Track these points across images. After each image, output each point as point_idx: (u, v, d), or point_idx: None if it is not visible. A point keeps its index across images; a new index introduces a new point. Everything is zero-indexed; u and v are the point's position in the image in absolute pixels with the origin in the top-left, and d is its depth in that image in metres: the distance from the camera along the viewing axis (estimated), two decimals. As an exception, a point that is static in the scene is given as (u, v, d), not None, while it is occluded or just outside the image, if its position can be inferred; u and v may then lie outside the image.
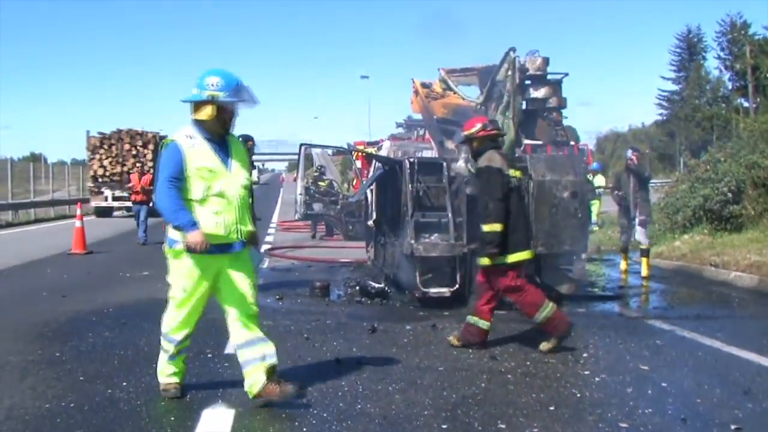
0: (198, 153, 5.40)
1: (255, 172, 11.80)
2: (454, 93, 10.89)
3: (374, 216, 12.95)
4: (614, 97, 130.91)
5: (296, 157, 16.19)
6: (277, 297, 10.53)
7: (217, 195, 5.39)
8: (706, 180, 17.19)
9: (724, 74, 69.33)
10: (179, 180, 5.34)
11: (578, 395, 5.90)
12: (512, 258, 7.29)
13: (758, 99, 50.50)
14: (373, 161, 16.10)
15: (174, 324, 5.84)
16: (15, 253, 16.44)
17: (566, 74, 10.22)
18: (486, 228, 7.24)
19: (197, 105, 5.42)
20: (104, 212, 32.47)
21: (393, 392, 5.94)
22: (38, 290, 11.13)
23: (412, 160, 10.10)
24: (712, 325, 8.77)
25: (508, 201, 7.29)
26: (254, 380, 5.58)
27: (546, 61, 10.20)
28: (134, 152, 32.84)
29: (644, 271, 12.80)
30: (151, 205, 18.49)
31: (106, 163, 32.79)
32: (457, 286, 9.52)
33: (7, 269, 13.99)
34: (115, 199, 31.86)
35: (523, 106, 10.15)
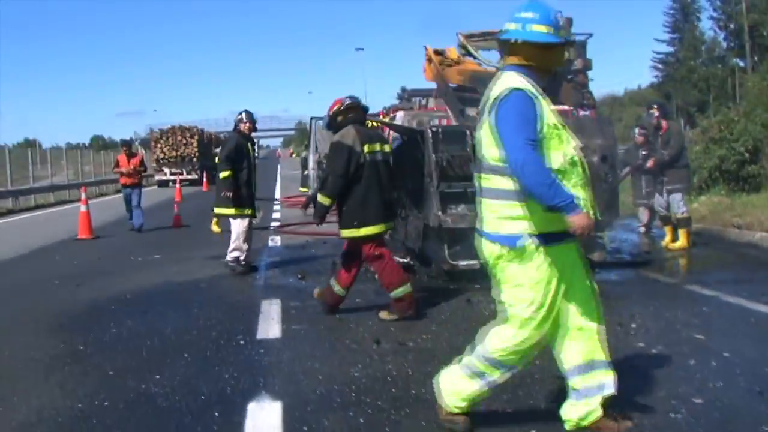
0: (546, 108, 4.16)
1: (255, 148, 11.53)
2: (474, 58, 10.46)
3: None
4: (609, 60, 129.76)
5: (291, 132, 15.82)
6: (299, 276, 10.19)
7: (571, 164, 4.16)
8: (720, 140, 16.85)
9: (719, 34, 68.81)
10: (535, 143, 4.03)
11: (639, 368, 5.58)
12: (363, 231, 7.55)
13: (755, 58, 50.03)
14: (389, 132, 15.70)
15: (517, 348, 4.34)
16: (21, 241, 16.07)
17: (591, 35, 9.84)
18: (319, 198, 7.62)
19: (536, 48, 4.23)
20: (164, 183, 43.77)
21: (445, 374, 5.61)
22: (50, 279, 10.76)
23: (434, 128, 9.70)
24: (754, 288, 8.44)
25: (355, 176, 7.46)
26: (589, 410, 4.37)
27: (570, 22, 9.78)
28: (184, 142, 44.76)
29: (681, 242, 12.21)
30: (141, 188, 18.10)
31: (165, 150, 44.50)
32: (486, 257, 9.15)
33: (15, 258, 13.61)
34: (172, 174, 43.42)
35: (547, 69, 9.72)
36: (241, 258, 10.70)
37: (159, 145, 44.97)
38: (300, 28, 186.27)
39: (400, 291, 7.54)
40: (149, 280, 10.35)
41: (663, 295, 8.26)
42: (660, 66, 75.09)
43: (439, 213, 9.13)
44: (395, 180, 8.19)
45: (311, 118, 14.52)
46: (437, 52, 12.19)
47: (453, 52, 12.34)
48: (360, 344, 6.60)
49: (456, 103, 11.31)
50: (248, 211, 10.74)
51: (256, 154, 11.50)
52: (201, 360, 6.24)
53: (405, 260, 10.29)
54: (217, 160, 11.31)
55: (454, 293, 8.76)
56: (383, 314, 7.60)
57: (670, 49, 74.56)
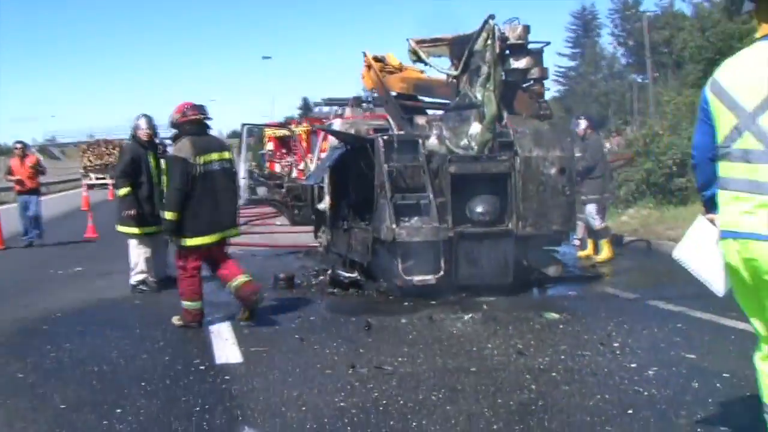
0: None
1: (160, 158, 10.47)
2: (425, 64, 10.09)
3: (328, 199, 12.10)
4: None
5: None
6: (241, 291, 9.57)
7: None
8: (646, 153, 17.01)
9: (618, 50, 70.87)
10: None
11: (646, 393, 5.27)
12: (191, 242, 7.57)
13: (657, 73, 51.54)
14: (320, 139, 15.28)
15: None
16: None
17: (548, 43, 9.61)
18: (165, 215, 7.57)
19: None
20: (91, 187, 44.57)
21: (441, 403, 5.18)
22: (-40, 296, 9.82)
23: (386, 137, 9.28)
24: (717, 303, 8.22)
25: (192, 188, 7.46)
26: None
27: (527, 30, 9.51)
28: (107, 152, 49.73)
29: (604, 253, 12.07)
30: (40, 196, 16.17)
31: (92, 158, 50.98)
32: (442, 272, 8.77)
33: None
34: (97, 179, 48.50)
35: (502, 78, 9.48)
36: (149, 278, 9.92)
37: (86, 155, 51.99)
38: (204, 34, 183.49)
39: (190, 305, 7.67)
40: (77, 296, 9.56)
41: (630, 312, 8.02)
42: (562, 80, 76.82)
43: (393, 226, 8.71)
44: (236, 186, 8.29)
45: (243, 125, 13.98)
46: (377, 59, 11.81)
47: (393, 59, 11.99)
48: (333, 369, 6.09)
49: (398, 111, 10.94)
50: (153, 229, 9.55)
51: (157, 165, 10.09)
52: (162, 390, 5.62)
53: (351, 275, 9.82)
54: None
55: (412, 310, 8.35)
56: (175, 319, 7.77)
57: (572, 63, 76.43)
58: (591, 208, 11.69)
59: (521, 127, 9.34)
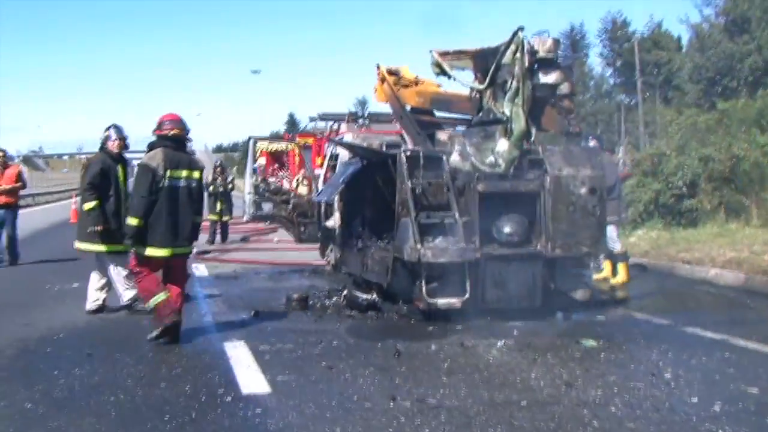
0: None
1: (129, 169, 9.75)
2: (449, 77, 9.69)
3: (338, 216, 11.67)
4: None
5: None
6: (253, 313, 9.09)
7: None
8: (654, 174, 16.71)
9: (606, 71, 70.96)
10: None
11: (723, 434, 4.86)
12: (148, 251, 7.58)
13: (647, 94, 51.61)
14: (329, 154, 14.87)
15: None
16: None
17: (579, 56, 9.26)
18: (128, 220, 7.62)
19: None
20: None
21: (501, 442, 4.74)
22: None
23: (409, 153, 8.86)
24: (756, 331, 7.96)
25: (155, 200, 7.55)
26: None
27: (557, 43, 9.17)
28: None
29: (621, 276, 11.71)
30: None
31: None
32: (467, 295, 8.34)
33: None
34: None
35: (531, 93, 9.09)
36: (101, 300, 9.21)
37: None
38: (191, 47, 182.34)
39: (158, 298, 7.58)
40: (77, 314, 9.00)
41: (669, 339, 7.62)
42: (550, 99, 76.59)
43: (418, 246, 8.27)
44: (198, 206, 8.07)
45: (250, 138, 13.55)
46: (391, 72, 11.39)
47: (408, 72, 11.57)
48: (371, 401, 5.63)
49: (414, 125, 10.54)
50: (121, 248, 8.72)
51: (129, 177, 9.49)
52: (189, 424, 5.14)
53: (369, 296, 9.37)
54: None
55: (439, 335, 7.92)
56: (151, 336, 7.57)
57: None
58: (611, 231, 11.29)
59: (550, 145, 8.95)
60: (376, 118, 28.11)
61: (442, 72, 9.64)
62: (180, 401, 5.63)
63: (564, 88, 9.11)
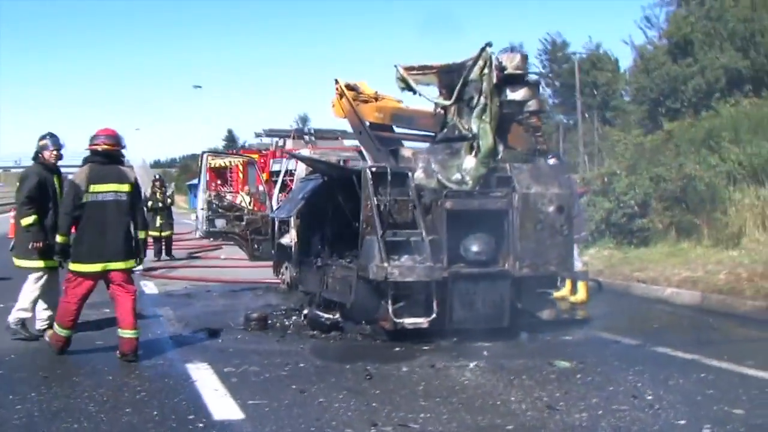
0: None
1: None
2: (414, 93, 9.50)
3: (294, 233, 11.39)
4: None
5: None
6: (211, 332, 8.78)
7: None
8: (605, 193, 16.80)
9: (546, 91, 71.81)
10: None
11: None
12: (73, 267, 7.52)
13: (585, 114, 52.26)
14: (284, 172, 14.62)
15: None
16: None
17: (544, 74, 9.19)
18: (56, 237, 7.66)
19: None
20: None
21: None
22: None
23: (374, 169, 8.67)
24: (728, 350, 7.92)
25: (80, 215, 7.50)
26: None
27: (525, 59, 9.08)
28: None
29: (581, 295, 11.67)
30: None
31: None
32: (434, 315, 8.15)
33: None
34: None
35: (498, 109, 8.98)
36: (26, 318, 8.54)
37: None
38: (131, 61, 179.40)
39: (59, 330, 7.55)
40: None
41: (643, 360, 7.52)
42: (489, 119, 77.23)
43: (385, 264, 8.06)
44: (136, 219, 7.85)
45: (203, 152, 13.26)
46: (349, 87, 11.23)
47: (367, 88, 11.42)
48: (351, 426, 5.40)
49: (375, 141, 10.37)
50: (55, 264, 8.31)
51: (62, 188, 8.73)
52: (162, 453, 4.83)
53: (331, 316, 9.12)
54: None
55: (408, 357, 7.73)
56: (47, 334, 7.90)
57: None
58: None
59: (518, 162, 8.86)
60: (321, 134, 28.06)
61: (407, 87, 9.49)
62: (149, 427, 5.32)
63: (532, 105, 9.02)
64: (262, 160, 25.60)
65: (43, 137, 8.71)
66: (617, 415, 5.64)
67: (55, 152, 8.68)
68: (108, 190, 7.54)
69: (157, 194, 18.46)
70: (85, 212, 7.47)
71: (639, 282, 13.02)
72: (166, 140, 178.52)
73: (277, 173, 23.19)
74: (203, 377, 6.75)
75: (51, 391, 6.29)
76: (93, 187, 7.48)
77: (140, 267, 8.41)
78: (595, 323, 9.62)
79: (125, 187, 7.63)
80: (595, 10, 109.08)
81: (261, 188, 25.48)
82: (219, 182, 29.53)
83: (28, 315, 8.47)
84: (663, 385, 6.53)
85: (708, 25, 23.42)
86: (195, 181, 36.14)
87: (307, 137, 26.76)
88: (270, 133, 27.48)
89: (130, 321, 7.48)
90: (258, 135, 27.96)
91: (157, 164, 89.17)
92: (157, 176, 19.90)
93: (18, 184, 8.77)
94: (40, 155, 8.67)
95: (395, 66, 9.54)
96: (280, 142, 26.81)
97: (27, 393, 6.18)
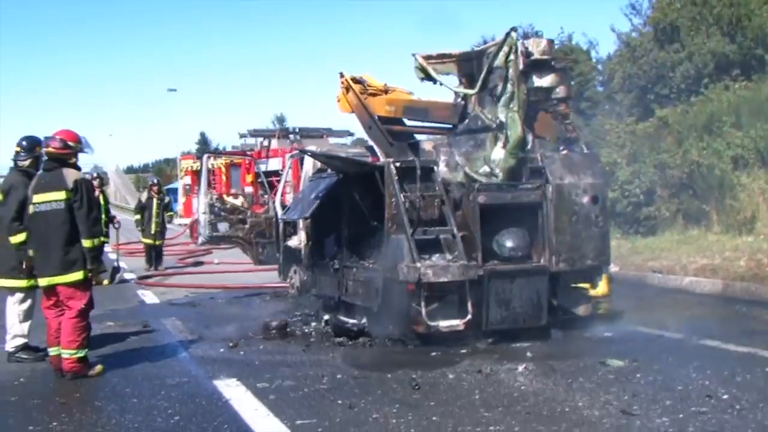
0: None
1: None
2: (434, 82, 9.01)
3: (303, 235, 10.89)
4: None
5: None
6: (231, 344, 8.26)
7: None
8: (608, 183, 16.45)
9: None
10: None
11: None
12: (34, 282, 7.39)
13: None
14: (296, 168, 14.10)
15: None
16: None
17: (576, 61, 8.78)
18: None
19: None
20: None
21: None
22: None
23: (398, 163, 8.19)
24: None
25: (27, 227, 7.26)
26: None
27: (551, 44, 8.65)
28: None
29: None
30: None
31: None
32: (469, 316, 7.69)
33: None
34: None
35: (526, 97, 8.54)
36: (30, 344, 7.93)
37: None
38: (103, 66, 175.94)
39: (50, 350, 7.19)
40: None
41: (696, 355, 7.12)
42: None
43: (417, 265, 7.58)
44: (82, 226, 7.06)
45: (204, 153, 12.69)
46: (355, 80, 10.74)
47: (374, 80, 10.93)
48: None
49: (386, 136, 9.89)
50: (33, 282, 7.58)
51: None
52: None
53: (357, 321, 8.65)
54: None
55: (449, 362, 7.27)
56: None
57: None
58: None
59: (549, 152, 8.44)
60: (306, 133, 27.56)
61: (427, 77, 9.02)
62: (196, 457, 4.80)
63: (560, 92, 8.60)
64: (247, 161, 25.05)
65: (20, 142, 8.03)
66: (700, 418, 5.23)
67: (34, 159, 7.93)
68: (46, 200, 7.06)
69: (154, 200, 17.19)
70: (29, 225, 7.18)
71: (654, 272, 12.68)
72: (139, 145, 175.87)
73: (264, 174, 22.70)
74: (237, 395, 6.23)
75: (74, 419, 5.74)
76: (35, 198, 7.10)
77: (105, 281, 7.66)
78: (629, 317, 9.17)
79: (61, 195, 7.03)
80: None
81: (247, 190, 24.99)
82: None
83: (24, 340, 7.86)
84: (732, 382, 6.14)
85: (694, 11, 23.10)
86: (173, 185, 35.42)
87: (292, 136, 26.28)
88: (255, 133, 26.97)
89: (67, 340, 6.91)
90: (242, 135, 27.43)
91: (130, 170, 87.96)
92: (155, 180, 18.73)
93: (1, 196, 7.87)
94: (17, 162, 7.99)
95: (413, 55, 9.08)
96: (265, 142, 26.32)
97: (48, 422, 5.64)
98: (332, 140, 26.90)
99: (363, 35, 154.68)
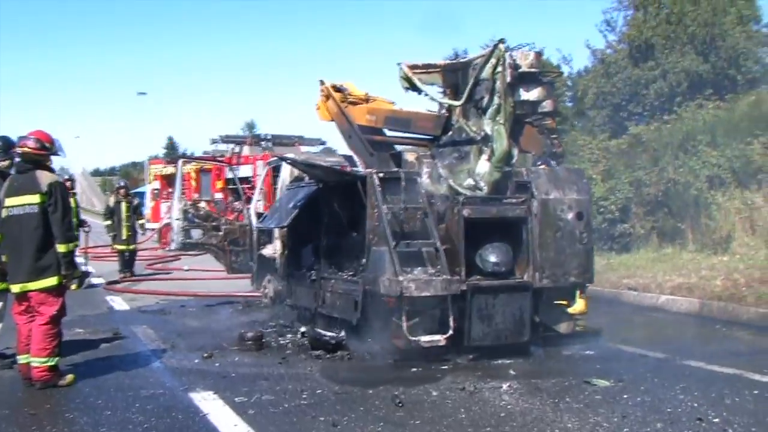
0: None
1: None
2: (419, 92, 8.85)
3: (278, 244, 10.68)
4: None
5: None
6: (205, 355, 8.05)
7: None
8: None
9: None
10: None
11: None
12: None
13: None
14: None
15: None
16: None
17: (561, 73, 8.68)
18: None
19: None
20: None
21: None
22: None
23: (382, 174, 8.03)
24: (763, 362, 7.52)
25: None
26: None
27: (539, 57, 8.54)
28: None
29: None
30: None
31: None
32: (451, 331, 7.53)
33: None
34: None
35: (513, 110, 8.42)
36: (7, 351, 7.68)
37: None
38: (70, 67, 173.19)
39: (19, 358, 6.94)
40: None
41: (682, 376, 7.03)
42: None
43: (400, 278, 7.42)
44: (55, 229, 6.83)
45: (180, 158, 12.43)
46: (336, 88, 10.59)
47: (355, 89, 10.79)
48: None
49: (366, 146, 9.75)
50: (4, 285, 7.28)
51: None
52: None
53: (334, 334, 8.45)
54: None
55: (431, 378, 7.14)
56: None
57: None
58: None
59: (534, 166, 8.34)
60: (278, 140, 27.32)
61: (412, 87, 8.86)
62: (175, 476, 4.59)
63: (546, 106, 8.49)
64: (218, 168, 24.74)
65: None
66: (689, 440, 5.11)
67: (8, 162, 7.76)
68: (20, 203, 6.84)
69: (123, 204, 16.36)
70: (2, 229, 6.95)
71: (630, 289, 12.64)
72: (106, 148, 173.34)
73: (233, 180, 22.45)
74: (215, 410, 6.03)
75: (42, 429, 5.49)
76: (7, 201, 6.90)
77: (73, 286, 7.33)
78: (609, 335, 9.03)
79: (35, 198, 6.81)
80: (548, 15, 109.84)
81: (217, 196, 24.67)
82: (171, 190, 28.49)
83: None
84: (721, 404, 6.06)
85: (668, 29, 23.29)
86: (140, 189, 34.91)
87: (264, 143, 26.02)
88: (226, 139, 26.67)
89: (38, 347, 6.69)
90: (214, 141, 27.07)
91: (97, 172, 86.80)
92: (123, 183, 17.94)
93: None
94: None
95: (398, 64, 8.92)
96: (236, 149, 26.03)
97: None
98: (304, 148, 26.66)
99: (336, 42, 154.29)
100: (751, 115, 16.04)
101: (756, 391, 6.43)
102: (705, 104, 20.38)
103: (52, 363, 6.70)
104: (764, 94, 17.72)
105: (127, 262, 16.52)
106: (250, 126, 58.53)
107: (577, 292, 10.50)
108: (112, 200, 16.96)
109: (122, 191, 16.76)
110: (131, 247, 16.49)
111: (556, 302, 8.45)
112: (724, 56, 22.02)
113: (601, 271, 13.95)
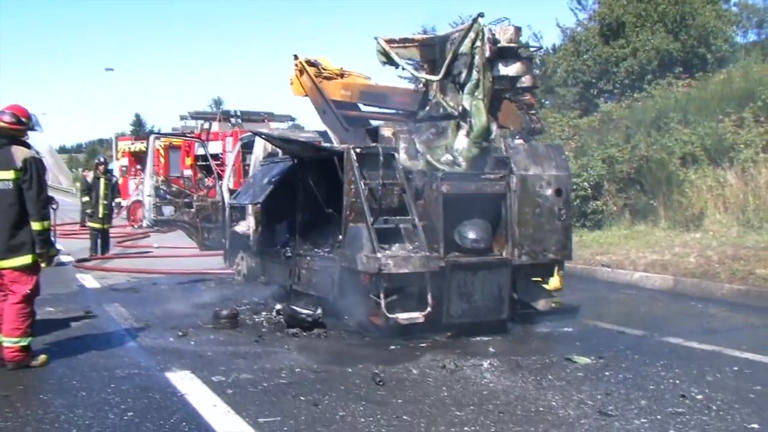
0: None
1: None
2: (397, 66, 8.71)
3: (252, 221, 10.53)
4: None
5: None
6: (180, 333, 7.91)
7: None
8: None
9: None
10: None
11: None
12: None
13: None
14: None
15: None
16: None
17: (540, 47, 8.60)
18: None
19: None
20: None
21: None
22: None
23: (359, 149, 7.89)
24: (740, 338, 7.57)
25: None
26: None
27: (518, 32, 8.43)
28: None
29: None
30: None
31: None
32: (429, 308, 7.45)
33: None
34: None
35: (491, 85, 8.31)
36: None
37: None
38: (37, 43, 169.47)
39: None
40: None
41: (663, 353, 7.01)
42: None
43: (378, 255, 7.31)
44: (31, 207, 6.59)
45: (150, 134, 12.19)
46: (310, 63, 10.44)
47: (329, 64, 10.65)
48: (391, 446, 4.68)
49: (342, 121, 9.63)
50: None
51: None
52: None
53: (311, 312, 8.33)
54: None
55: (410, 356, 7.06)
56: None
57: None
58: None
59: (513, 142, 8.25)
60: (248, 116, 27.05)
61: (390, 61, 8.72)
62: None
63: (525, 81, 8.41)
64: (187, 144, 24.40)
65: None
66: (679, 419, 5.10)
67: None
68: None
69: (102, 180, 15.69)
70: None
71: (603, 266, 12.66)
72: (73, 125, 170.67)
73: (203, 157, 22.15)
74: (193, 389, 5.90)
75: (18, 414, 5.33)
76: None
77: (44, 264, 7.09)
78: (585, 312, 9.09)
79: (10, 175, 6.57)
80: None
81: (187, 173, 24.39)
82: (139, 167, 28.08)
83: None
84: (703, 381, 6.06)
85: (639, 7, 23.33)
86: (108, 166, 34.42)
87: (233, 120, 25.74)
88: (196, 116, 26.35)
89: (10, 327, 6.50)
90: (183, 117, 26.74)
91: (63, 150, 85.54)
92: (102, 159, 17.37)
93: None
94: None
95: (375, 38, 8.77)
96: (206, 125, 25.73)
97: (-5, 412, 5.23)
98: (274, 125, 26.42)
99: (303, 19, 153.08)
100: (721, 93, 16.11)
101: (736, 368, 6.43)
102: (675, 82, 20.50)
103: (25, 343, 6.52)
104: (734, 72, 17.80)
105: (103, 244, 15.97)
106: (218, 102, 58.07)
107: (555, 269, 10.56)
108: (90, 176, 16.48)
109: (101, 167, 16.15)
110: (105, 226, 15.89)
111: (533, 279, 8.41)
112: (695, 35, 22.11)
113: (574, 248, 13.92)
